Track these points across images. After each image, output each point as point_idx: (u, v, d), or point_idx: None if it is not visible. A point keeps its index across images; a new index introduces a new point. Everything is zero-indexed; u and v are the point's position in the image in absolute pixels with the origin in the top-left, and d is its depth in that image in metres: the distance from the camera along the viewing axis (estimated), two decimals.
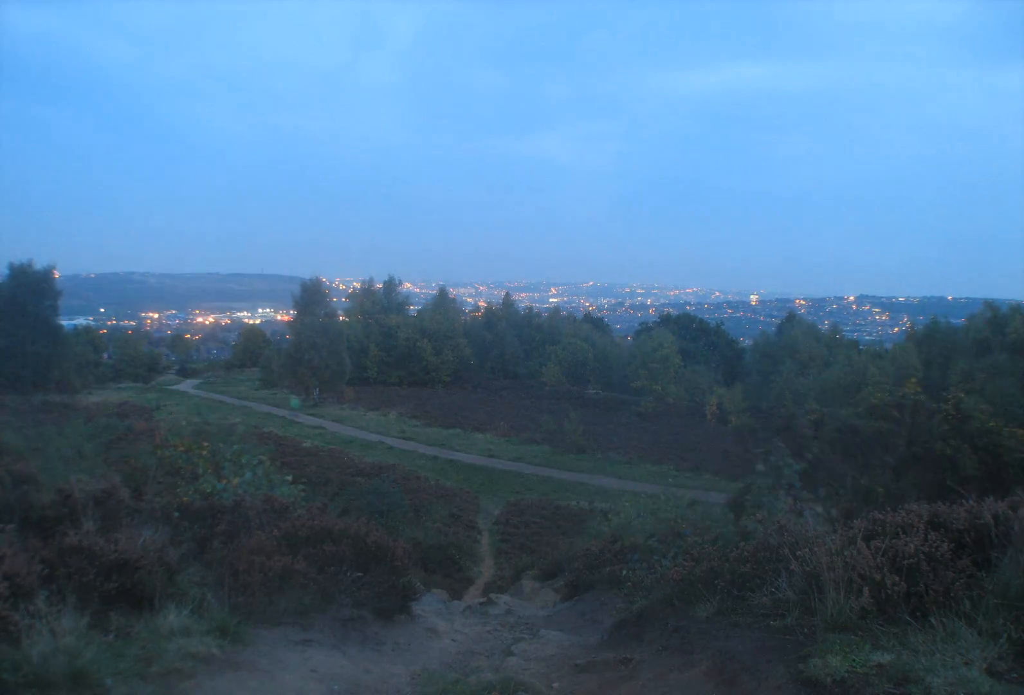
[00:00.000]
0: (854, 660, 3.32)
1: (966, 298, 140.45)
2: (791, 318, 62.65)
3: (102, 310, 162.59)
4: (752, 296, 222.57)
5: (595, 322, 79.26)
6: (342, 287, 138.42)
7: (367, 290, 70.55)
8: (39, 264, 43.77)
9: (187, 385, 61.04)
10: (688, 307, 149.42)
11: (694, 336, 65.63)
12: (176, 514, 6.07)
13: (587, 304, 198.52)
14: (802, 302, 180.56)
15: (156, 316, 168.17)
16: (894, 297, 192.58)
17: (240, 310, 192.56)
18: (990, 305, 43.18)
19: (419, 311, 72.61)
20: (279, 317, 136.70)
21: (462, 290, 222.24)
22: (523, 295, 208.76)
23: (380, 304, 68.54)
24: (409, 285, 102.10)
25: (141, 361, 69.60)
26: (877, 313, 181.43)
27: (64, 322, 52.51)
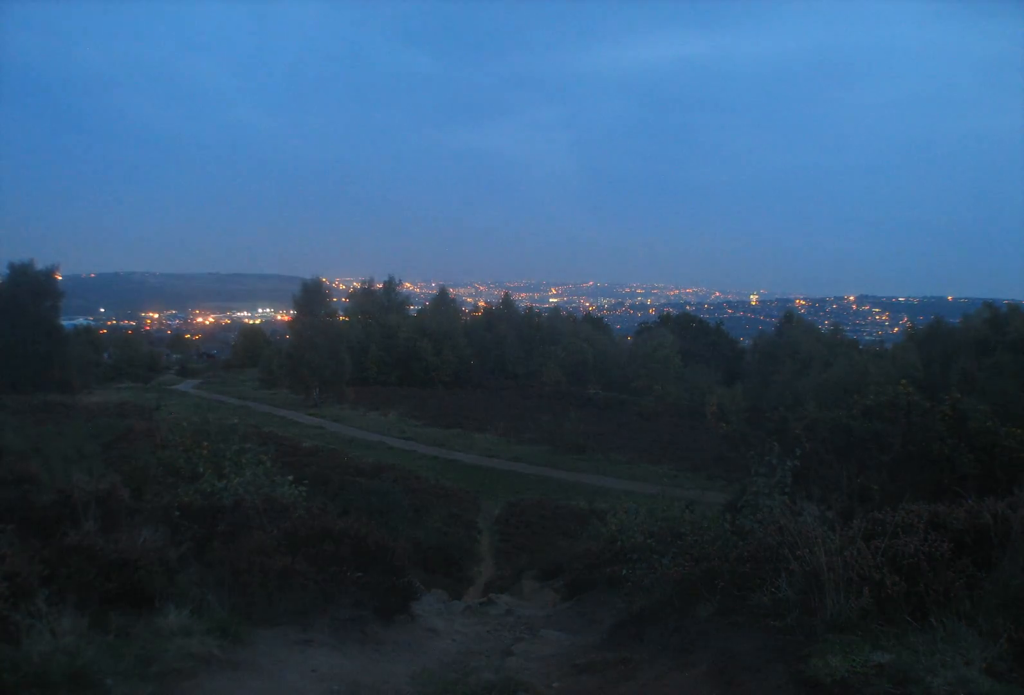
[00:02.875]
0: (854, 660, 3.32)
1: (966, 298, 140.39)
2: (789, 318, 62.64)
3: (102, 310, 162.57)
4: (752, 296, 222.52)
5: (595, 322, 79.29)
6: (342, 287, 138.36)
7: (367, 290, 70.53)
8: (40, 264, 43.84)
9: (187, 385, 61.00)
10: (688, 307, 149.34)
11: (694, 336, 65.64)
12: (176, 514, 6.07)
13: (587, 304, 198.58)
14: (802, 302, 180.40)
15: (156, 316, 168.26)
16: (894, 297, 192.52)
17: (240, 310, 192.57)
18: (990, 305, 43.22)
19: (419, 311, 72.65)
20: (279, 317, 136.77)
21: (462, 290, 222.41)
22: (523, 295, 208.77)
23: (380, 304, 68.53)
24: (409, 285, 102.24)
25: (141, 361, 69.60)
26: (877, 313, 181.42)
27: (64, 322, 52.54)
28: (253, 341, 76.75)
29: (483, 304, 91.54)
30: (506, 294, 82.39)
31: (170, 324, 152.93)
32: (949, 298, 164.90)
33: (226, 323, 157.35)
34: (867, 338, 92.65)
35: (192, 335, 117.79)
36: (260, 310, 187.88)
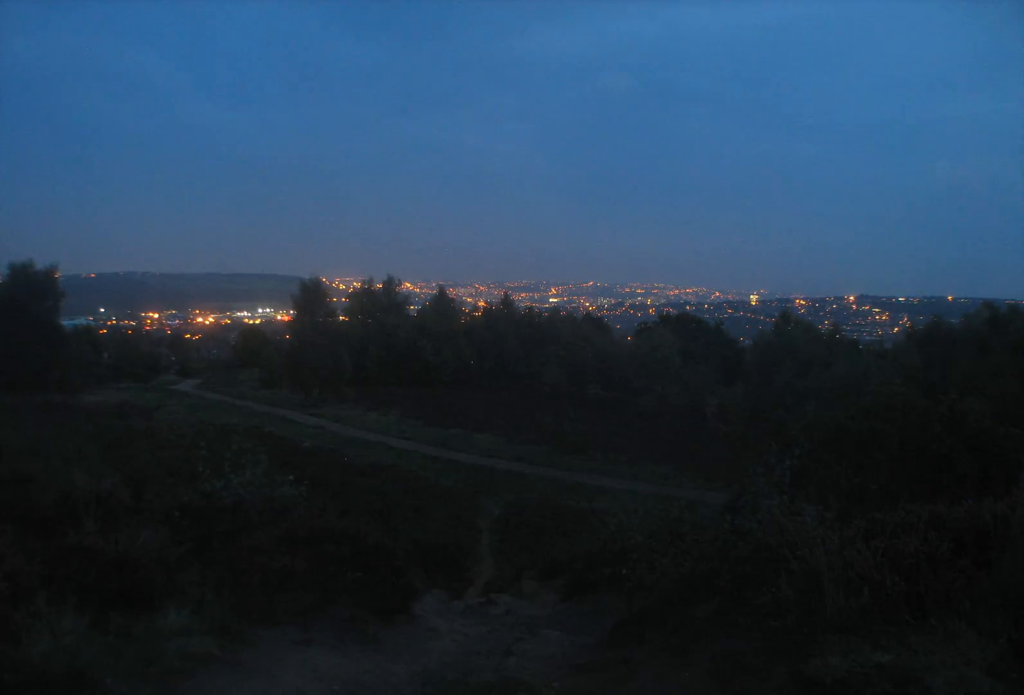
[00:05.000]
0: (854, 660, 3.32)
1: (966, 298, 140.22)
2: (787, 318, 62.61)
3: (102, 310, 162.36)
4: (752, 296, 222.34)
5: (595, 322, 79.22)
6: (342, 287, 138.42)
7: (367, 290, 70.52)
8: (40, 264, 43.78)
9: (187, 385, 61.02)
10: (688, 307, 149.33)
11: (694, 336, 65.60)
12: (176, 514, 6.08)
13: (587, 304, 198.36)
14: (802, 302, 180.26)
15: (156, 316, 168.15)
16: (894, 297, 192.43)
17: (240, 310, 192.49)
18: (989, 305, 43.25)
19: (419, 311, 72.70)
20: (279, 317, 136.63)
21: (462, 290, 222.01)
22: (523, 295, 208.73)
23: (380, 304, 68.51)
24: (409, 285, 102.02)
25: (141, 361, 69.66)
26: (877, 313, 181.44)
27: (64, 322, 52.49)
28: (253, 341, 76.72)
29: (483, 304, 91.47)
30: (506, 294, 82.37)
31: (170, 324, 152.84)
32: (949, 298, 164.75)
33: (226, 323, 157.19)
34: (867, 338, 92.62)
35: (192, 335, 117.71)
36: (260, 310, 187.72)
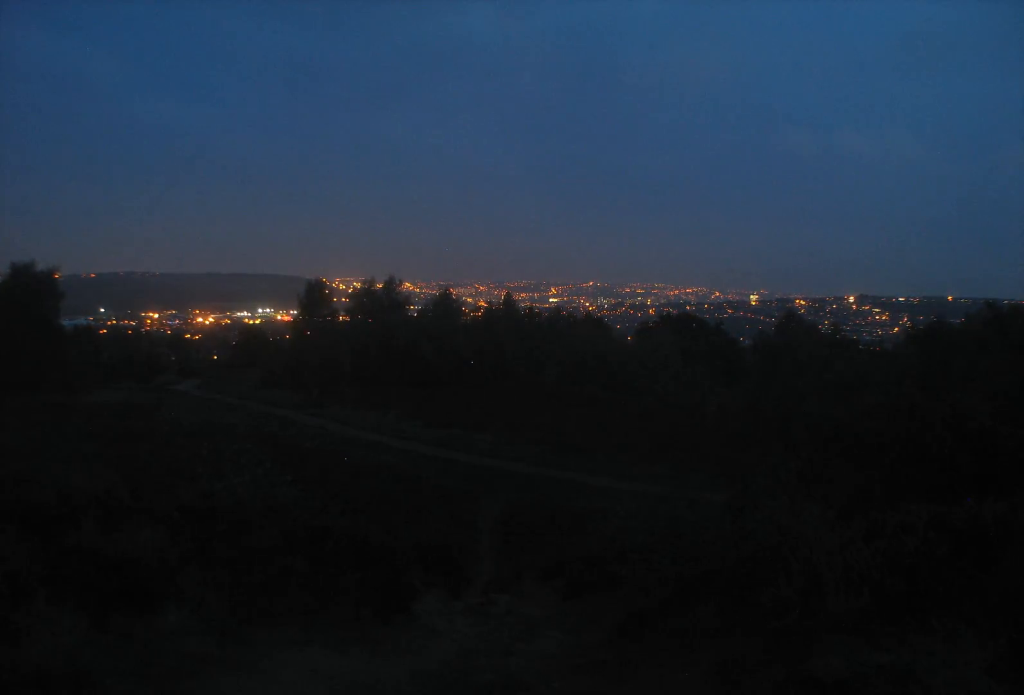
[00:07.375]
0: (854, 660, 3.32)
1: (966, 298, 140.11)
2: (789, 317, 62.61)
3: (102, 310, 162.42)
4: (752, 296, 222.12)
5: (595, 322, 79.10)
6: (342, 287, 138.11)
7: (368, 290, 70.45)
8: (40, 264, 43.77)
9: (187, 385, 60.94)
10: (688, 307, 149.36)
11: (694, 336, 65.46)
12: (176, 514, 6.07)
13: (587, 304, 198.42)
14: (802, 302, 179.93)
15: (156, 316, 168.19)
16: (894, 297, 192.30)
17: (240, 310, 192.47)
18: (990, 305, 43.25)
19: (419, 311, 72.64)
20: (279, 317, 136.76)
21: (462, 290, 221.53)
22: (523, 295, 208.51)
23: (381, 304, 68.47)
24: (409, 285, 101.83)
25: (141, 361, 69.67)
26: (877, 313, 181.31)
27: (64, 322, 52.51)
28: (253, 341, 76.74)
29: (483, 304, 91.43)
30: (506, 294, 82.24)
31: (170, 324, 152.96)
32: (949, 298, 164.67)
33: (226, 323, 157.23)
34: (867, 338, 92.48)
35: (192, 335, 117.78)
36: (260, 310, 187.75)
